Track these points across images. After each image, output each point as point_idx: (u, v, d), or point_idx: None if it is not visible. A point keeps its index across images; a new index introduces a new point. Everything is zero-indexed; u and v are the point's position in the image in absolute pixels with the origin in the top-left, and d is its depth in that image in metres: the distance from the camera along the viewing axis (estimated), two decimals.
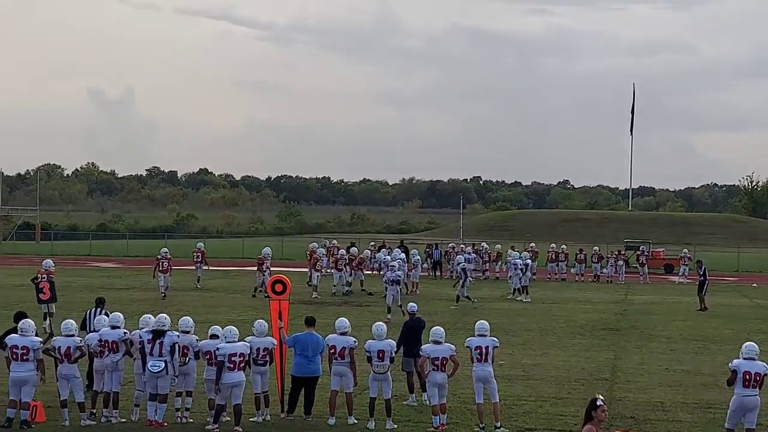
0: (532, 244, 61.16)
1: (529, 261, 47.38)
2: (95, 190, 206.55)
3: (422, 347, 19.31)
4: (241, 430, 18.53)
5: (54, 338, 19.36)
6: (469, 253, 53.94)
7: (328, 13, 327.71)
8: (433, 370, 18.83)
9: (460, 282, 41.14)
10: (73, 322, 19.58)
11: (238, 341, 18.98)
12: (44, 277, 30.95)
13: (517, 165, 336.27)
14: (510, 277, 46.34)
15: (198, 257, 49.78)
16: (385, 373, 19.19)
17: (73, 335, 19.14)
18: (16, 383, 18.48)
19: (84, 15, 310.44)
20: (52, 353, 19.21)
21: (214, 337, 19.25)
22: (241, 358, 18.59)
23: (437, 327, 19.50)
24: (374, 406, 19.09)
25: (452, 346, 19.01)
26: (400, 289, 36.56)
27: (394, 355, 19.48)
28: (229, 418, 19.21)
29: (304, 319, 20.26)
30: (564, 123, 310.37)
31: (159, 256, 43.66)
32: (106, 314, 21.34)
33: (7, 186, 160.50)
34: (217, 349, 18.66)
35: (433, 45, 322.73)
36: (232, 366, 18.49)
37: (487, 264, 58.01)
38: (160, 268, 42.83)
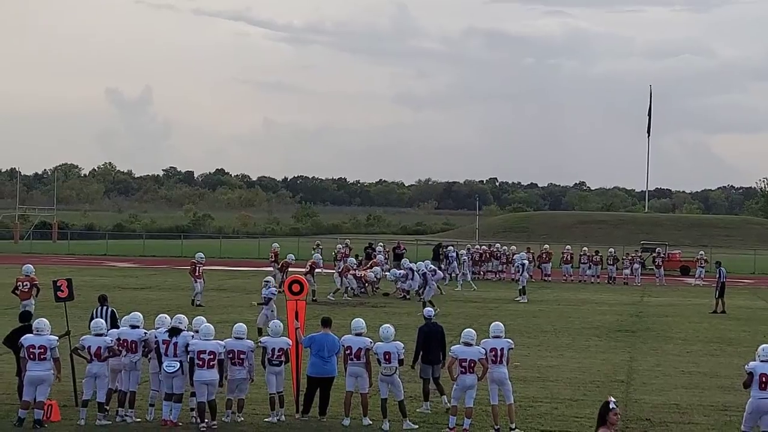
0: (546, 246, 61.07)
1: (525, 261, 47.39)
2: (112, 189, 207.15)
3: (452, 348, 19.17)
4: (216, 425, 18.68)
5: (83, 338, 19.39)
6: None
7: (344, 14, 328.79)
8: (461, 373, 18.79)
9: (423, 288, 40.49)
10: (103, 321, 19.60)
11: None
12: (26, 284, 30.76)
13: (533, 166, 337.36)
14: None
15: (273, 257, 50.35)
16: (392, 375, 19.15)
17: (103, 334, 19.16)
18: (33, 383, 18.51)
19: (102, 16, 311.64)
20: (82, 353, 19.26)
21: (239, 338, 19.28)
22: (211, 356, 18.56)
23: (469, 329, 19.40)
24: (386, 407, 19.07)
25: (482, 349, 18.92)
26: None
27: (402, 357, 19.43)
28: (242, 418, 19.28)
29: (321, 319, 20.27)
30: (580, 125, 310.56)
31: (195, 261, 41.04)
32: (114, 313, 21.46)
33: (24, 185, 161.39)
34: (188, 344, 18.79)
35: (450, 47, 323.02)
36: (201, 363, 18.53)
37: (503, 266, 57.88)
38: (196, 273, 40.20)
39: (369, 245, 59.74)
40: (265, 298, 30.30)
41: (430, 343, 20.58)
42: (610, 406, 11.92)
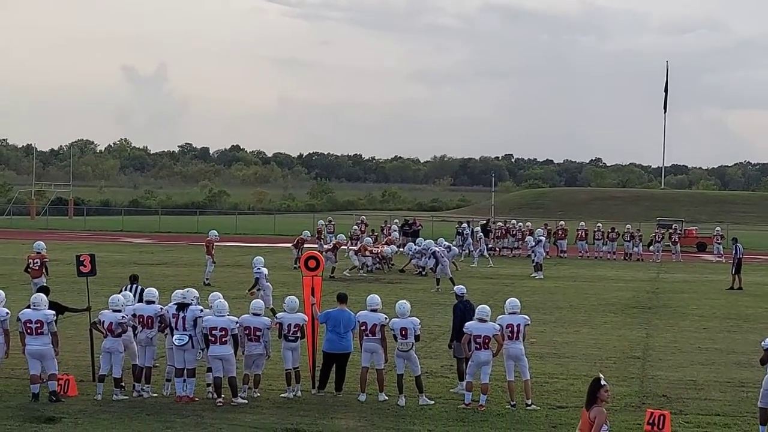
0: (562, 222, 60.89)
1: (541, 238, 47.40)
2: (128, 166, 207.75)
3: (466, 324, 19.12)
4: (238, 401, 18.66)
5: (101, 312, 19.44)
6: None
7: None
8: (476, 349, 18.76)
9: (438, 267, 39.66)
10: (120, 297, 19.62)
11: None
12: (37, 262, 30.64)
13: (549, 143, 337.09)
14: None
15: (318, 235, 50.26)
16: (408, 351, 19.13)
17: (119, 310, 19.20)
18: (33, 357, 18.61)
19: None
20: (99, 327, 19.32)
21: (257, 314, 19.29)
22: (223, 333, 18.57)
23: (484, 305, 19.41)
24: (402, 383, 19.08)
25: (497, 325, 18.89)
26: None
27: (419, 333, 19.41)
28: (258, 394, 19.30)
29: (336, 295, 20.27)
30: (596, 101, 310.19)
31: (212, 238, 40.54)
32: (143, 291, 21.40)
33: (40, 162, 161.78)
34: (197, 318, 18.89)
35: (466, 23, 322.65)
36: (213, 339, 18.57)
37: (519, 242, 57.73)
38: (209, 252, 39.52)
39: (405, 222, 59.82)
40: (256, 279, 30.17)
41: (465, 321, 19.62)
42: (601, 383, 11.87)
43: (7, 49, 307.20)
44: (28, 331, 18.66)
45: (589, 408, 11.90)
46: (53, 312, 19.10)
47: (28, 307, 19.12)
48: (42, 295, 19.31)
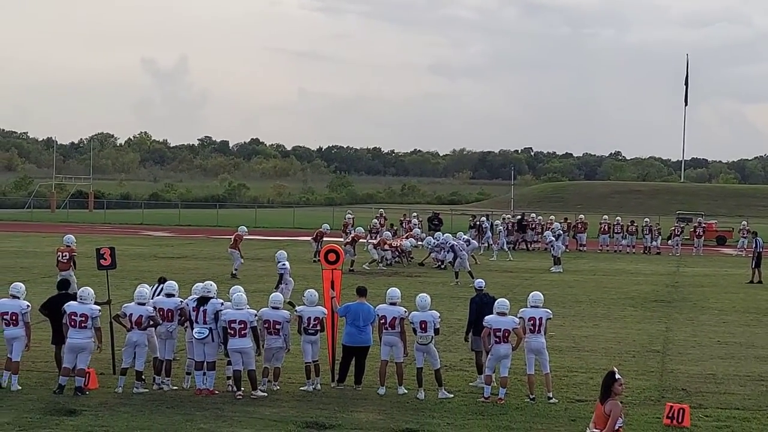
0: (581, 216, 60.70)
1: (559, 232, 47.32)
2: (148, 159, 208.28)
3: (485, 318, 19.11)
4: (258, 394, 18.71)
5: (125, 305, 19.49)
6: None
7: None
8: (496, 342, 18.77)
9: (456, 261, 39.55)
10: (146, 290, 19.67)
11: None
12: (66, 255, 30.99)
13: (569, 136, 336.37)
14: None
15: (344, 228, 50.83)
16: (428, 344, 19.13)
17: (145, 303, 19.28)
18: (73, 350, 18.64)
19: None
20: (123, 320, 19.37)
21: (276, 308, 19.31)
22: (242, 326, 18.61)
23: (503, 299, 19.41)
24: (422, 376, 19.09)
25: (516, 318, 18.90)
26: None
27: (438, 326, 19.39)
28: (278, 387, 19.34)
29: (356, 288, 20.30)
30: (616, 94, 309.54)
31: (241, 233, 40.55)
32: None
33: (60, 155, 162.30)
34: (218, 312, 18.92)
35: (486, 16, 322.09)
36: (232, 332, 18.62)
37: (538, 236, 57.62)
38: (236, 246, 39.52)
39: (434, 215, 59.78)
40: (280, 275, 30.26)
41: (483, 315, 19.61)
42: (616, 377, 11.88)
43: (28, 41, 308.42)
44: (72, 323, 18.72)
45: (604, 401, 11.92)
46: (99, 307, 19.13)
47: (67, 299, 19.24)
48: (89, 289, 19.29)
